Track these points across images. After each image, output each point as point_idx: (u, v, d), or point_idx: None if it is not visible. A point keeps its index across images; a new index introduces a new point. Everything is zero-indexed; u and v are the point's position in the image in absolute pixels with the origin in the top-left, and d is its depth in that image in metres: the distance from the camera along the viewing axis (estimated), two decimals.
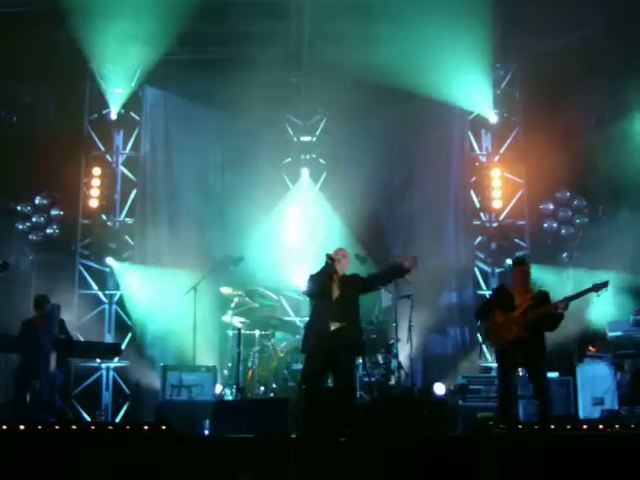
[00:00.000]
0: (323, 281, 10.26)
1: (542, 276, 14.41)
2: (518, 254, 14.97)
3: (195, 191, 15.69)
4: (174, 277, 14.40)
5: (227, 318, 13.30)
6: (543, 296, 10.41)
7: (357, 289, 10.42)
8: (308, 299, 11.26)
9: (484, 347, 14.25)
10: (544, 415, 9.84)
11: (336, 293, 10.23)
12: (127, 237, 15.69)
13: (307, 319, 11.13)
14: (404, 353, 12.94)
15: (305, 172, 16.31)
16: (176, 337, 14.08)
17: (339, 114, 15.73)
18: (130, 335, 15.08)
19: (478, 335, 12.11)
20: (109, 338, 15.25)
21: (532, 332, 10.05)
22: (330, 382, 10.55)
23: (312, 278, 10.45)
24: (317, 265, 10.56)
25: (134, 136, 16.02)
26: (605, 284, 10.00)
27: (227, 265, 13.28)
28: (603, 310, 13.35)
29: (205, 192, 15.95)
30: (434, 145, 15.58)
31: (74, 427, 7.42)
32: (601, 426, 7.69)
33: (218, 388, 12.94)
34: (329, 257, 10.29)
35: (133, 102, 15.83)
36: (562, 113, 14.77)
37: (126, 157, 16.10)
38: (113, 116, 15.74)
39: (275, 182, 16.10)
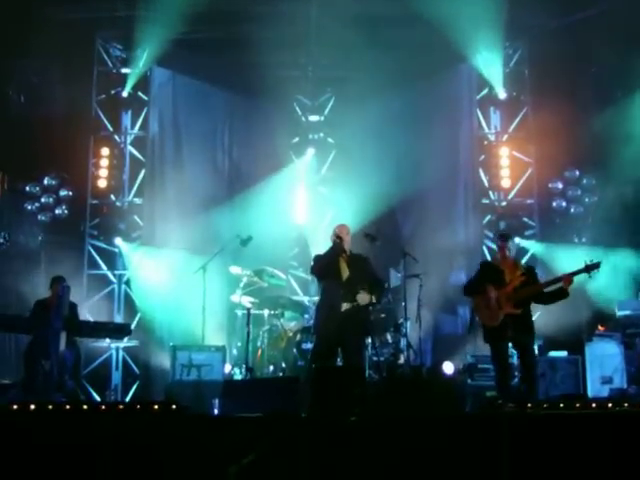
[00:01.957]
0: (332, 261, 10.26)
1: (551, 254, 14.49)
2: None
3: (203, 170, 15.68)
4: (183, 257, 14.44)
5: (236, 298, 13.32)
6: (531, 272, 10.48)
7: (365, 270, 10.40)
8: (316, 279, 11.27)
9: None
10: (531, 396, 9.83)
11: (346, 273, 10.24)
12: (136, 217, 15.71)
13: (316, 298, 11.13)
14: (413, 332, 12.92)
15: (310, 151, 16.29)
16: (185, 317, 14.11)
17: (347, 93, 15.66)
18: (139, 315, 15.13)
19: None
20: (118, 318, 15.32)
21: (524, 308, 10.08)
22: (340, 361, 10.58)
23: (319, 258, 10.45)
24: (326, 244, 10.58)
25: (142, 116, 16.03)
26: (597, 265, 9.94)
27: (236, 245, 13.27)
28: (612, 288, 13.41)
29: (213, 171, 15.97)
30: (443, 124, 15.54)
31: (85, 407, 7.45)
32: (610, 404, 7.69)
33: (227, 367, 12.98)
34: (337, 236, 10.28)
35: (141, 82, 15.82)
36: (571, 91, 14.73)
37: (134, 137, 16.12)
38: (124, 94, 15.77)
39: (283, 161, 16.09)
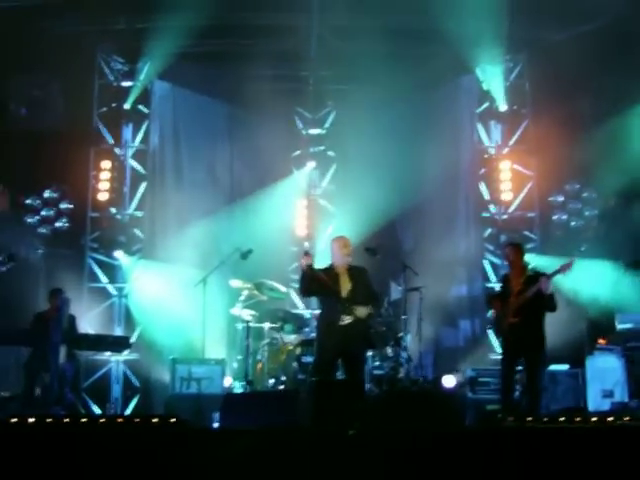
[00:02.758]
0: (329, 278, 10.20)
1: (552, 268, 14.47)
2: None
3: (204, 183, 15.69)
4: (183, 270, 14.42)
5: (236, 311, 13.27)
6: (533, 278, 10.41)
7: (363, 283, 10.36)
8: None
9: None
10: (532, 410, 9.79)
11: (347, 287, 10.20)
12: (136, 230, 15.72)
13: (316, 311, 11.11)
14: (414, 346, 12.90)
15: (310, 164, 16.29)
16: (185, 330, 14.10)
17: (348, 106, 15.65)
18: (139, 328, 15.10)
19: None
20: (119, 331, 15.29)
21: (523, 317, 10.09)
22: (340, 375, 10.57)
23: (300, 280, 10.41)
24: (327, 256, 10.58)
25: (143, 129, 16.06)
26: (569, 265, 10.07)
27: (236, 258, 13.24)
28: (613, 301, 13.43)
29: (214, 184, 15.95)
30: (444, 137, 15.50)
31: (84, 420, 7.44)
32: (611, 418, 7.67)
33: (227, 381, 12.95)
34: (308, 265, 10.20)
35: (142, 95, 15.83)
36: (572, 105, 14.74)
37: (135, 150, 16.14)
38: (126, 107, 15.78)
39: (284, 174, 16.09)
